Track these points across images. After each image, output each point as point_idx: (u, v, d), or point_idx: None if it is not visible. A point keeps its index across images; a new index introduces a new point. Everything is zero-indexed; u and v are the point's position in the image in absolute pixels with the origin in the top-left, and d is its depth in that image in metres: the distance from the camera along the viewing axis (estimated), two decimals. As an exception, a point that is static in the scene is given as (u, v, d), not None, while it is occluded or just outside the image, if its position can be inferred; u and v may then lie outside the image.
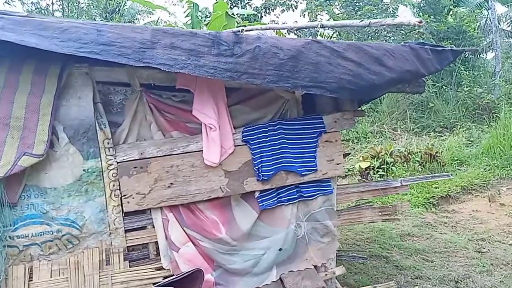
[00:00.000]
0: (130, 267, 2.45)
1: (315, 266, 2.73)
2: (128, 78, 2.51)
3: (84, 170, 2.38)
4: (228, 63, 2.17)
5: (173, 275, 2.47)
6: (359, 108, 2.90)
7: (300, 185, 2.69)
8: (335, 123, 2.74)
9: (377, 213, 2.94)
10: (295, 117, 2.77)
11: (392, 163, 6.73)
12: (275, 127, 2.63)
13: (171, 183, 2.50)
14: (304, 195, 2.69)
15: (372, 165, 6.72)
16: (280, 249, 2.65)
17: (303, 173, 2.65)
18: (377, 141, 8.62)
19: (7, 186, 2.27)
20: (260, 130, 2.62)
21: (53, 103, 2.33)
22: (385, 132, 9.13)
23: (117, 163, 2.44)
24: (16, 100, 2.30)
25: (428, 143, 7.88)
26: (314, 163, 2.67)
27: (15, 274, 2.27)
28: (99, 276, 2.37)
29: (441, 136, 8.71)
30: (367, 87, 2.39)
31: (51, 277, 2.32)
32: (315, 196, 2.72)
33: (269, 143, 2.61)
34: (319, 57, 2.28)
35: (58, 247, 2.35)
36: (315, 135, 2.68)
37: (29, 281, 2.28)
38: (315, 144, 2.68)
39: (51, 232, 2.33)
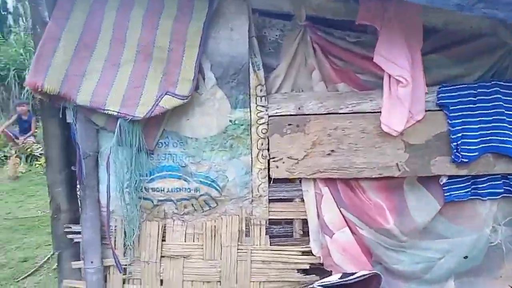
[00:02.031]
0: (270, 244, 2.02)
1: None
2: (292, 7, 1.91)
3: (230, 121, 1.93)
4: (457, -15, 1.42)
5: (322, 264, 1.99)
6: None
7: (509, 176, 1.90)
8: None
9: None
10: (521, 78, 1.92)
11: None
12: (489, 90, 1.83)
13: (332, 150, 1.92)
14: (514, 190, 1.90)
15: None
16: (466, 257, 1.96)
17: (522, 160, 1.84)
18: None
19: (145, 129, 1.93)
20: (465, 92, 1.84)
21: (202, 33, 1.87)
22: None
23: (269, 116, 1.94)
24: (161, 25, 1.88)
25: None
26: (542, 148, 1.84)
27: (148, 231, 1.99)
28: (237, 249, 1.98)
29: None
30: None
31: (185, 241, 2.00)
32: (529, 194, 1.92)
33: (477, 112, 1.84)
34: None
35: (194, 207, 2.00)
36: (550, 107, 1.82)
37: (162, 241, 2.00)
38: (547, 121, 1.83)
39: (188, 190, 1.97)
